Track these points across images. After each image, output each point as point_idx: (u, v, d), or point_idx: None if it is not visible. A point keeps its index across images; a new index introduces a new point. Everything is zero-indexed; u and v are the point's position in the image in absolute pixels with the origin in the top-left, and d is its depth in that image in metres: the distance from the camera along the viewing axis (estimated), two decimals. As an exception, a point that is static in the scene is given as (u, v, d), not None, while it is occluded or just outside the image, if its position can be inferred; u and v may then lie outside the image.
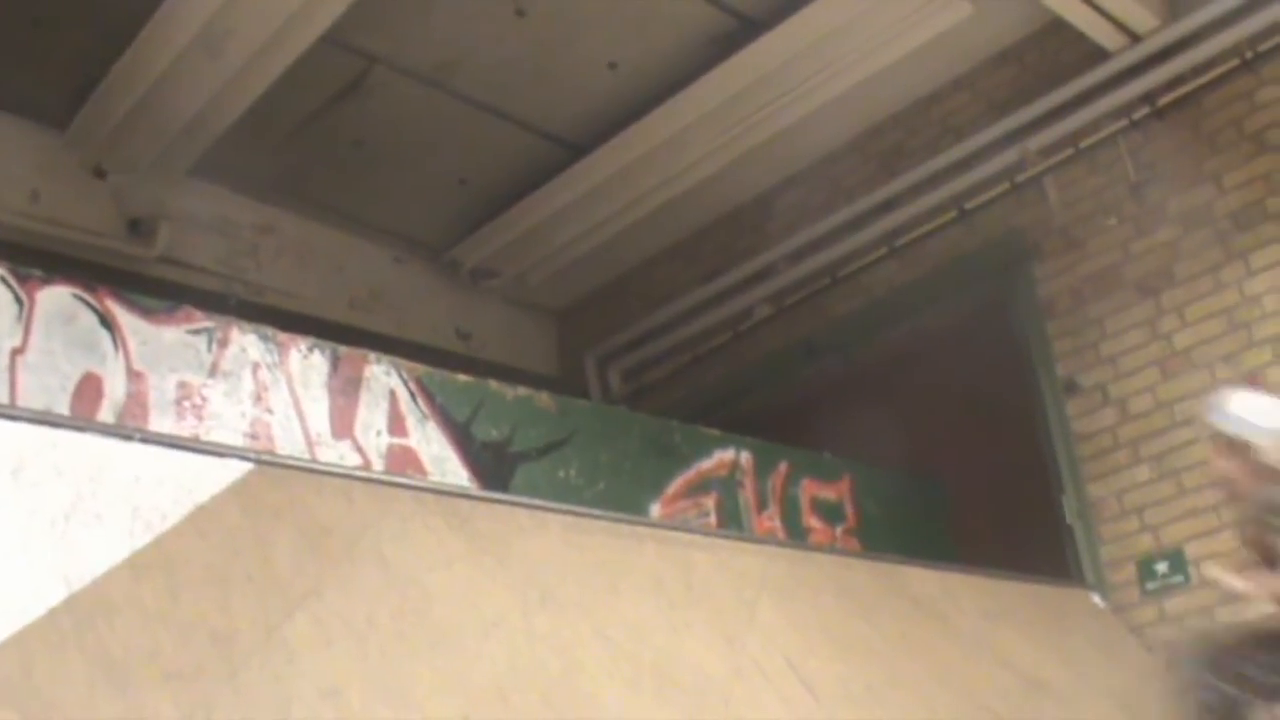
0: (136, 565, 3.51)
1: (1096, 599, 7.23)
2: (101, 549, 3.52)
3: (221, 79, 7.49)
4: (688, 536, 5.59)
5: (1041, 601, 6.86)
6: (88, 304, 5.15)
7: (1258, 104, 7.17)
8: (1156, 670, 6.88)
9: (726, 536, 6.17)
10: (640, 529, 5.40)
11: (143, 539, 3.60)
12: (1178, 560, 7.05)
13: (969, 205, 8.21)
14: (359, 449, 5.67)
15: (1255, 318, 6.98)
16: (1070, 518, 7.50)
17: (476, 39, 7.99)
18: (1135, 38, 7.51)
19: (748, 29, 8.00)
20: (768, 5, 7.88)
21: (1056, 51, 7.89)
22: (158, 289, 6.81)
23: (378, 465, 5.66)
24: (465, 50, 8.06)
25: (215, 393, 5.30)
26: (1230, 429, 5.29)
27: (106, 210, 8.23)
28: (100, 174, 8.21)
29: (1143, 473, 7.28)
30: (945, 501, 8.39)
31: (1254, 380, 6.64)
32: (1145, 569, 7.19)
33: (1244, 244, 7.08)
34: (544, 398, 6.55)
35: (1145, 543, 7.22)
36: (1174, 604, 7.05)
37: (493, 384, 6.37)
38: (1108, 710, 6.13)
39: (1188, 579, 7.00)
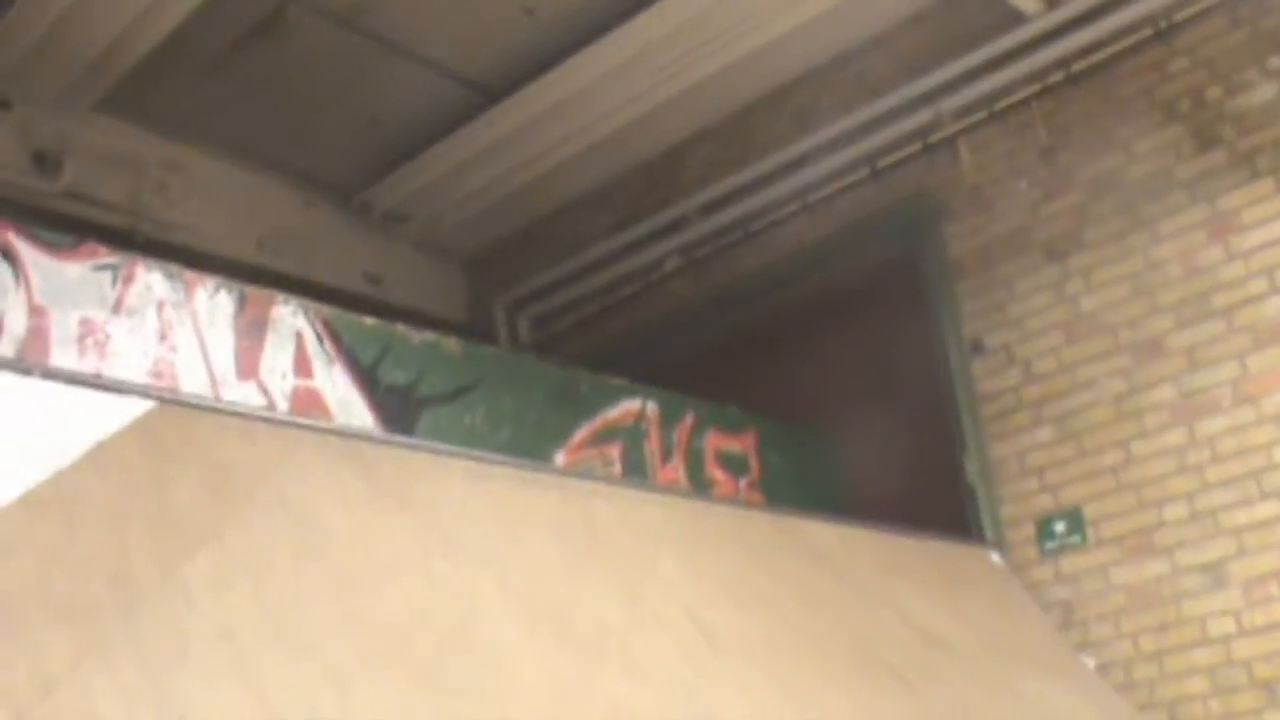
0: (32, 502, 3.47)
1: (995, 557, 7.32)
2: (-4, 485, 3.48)
3: (132, 12, 7.36)
4: (590, 485, 5.60)
5: (940, 558, 6.93)
6: (-12, 237, 5.08)
7: (1169, 74, 7.24)
8: (1052, 626, 7.02)
9: (629, 486, 6.19)
10: (543, 477, 5.40)
11: (40, 476, 3.56)
12: (1076, 520, 7.16)
13: (881, 164, 8.26)
14: (264, 390, 5.63)
15: (1159, 284, 7.07)
16: (971, 476, 7.58)
17: (393, -20, 7.93)
18: (1051, 2, 7.56)
19: (668, -21, 7.98)
20: (688, -44, 7.87)
21: (973, 14, 7.91)
22: (62, 224, 6.71)
23: (282, 407, 5.62)
24: (382, -9, 8.00)
25: (119, 330, 5.23)
26: None
27: (10, 143, 8.06)
28: (5, 105, 8.04)
29: (1044, 434, 7.38)
30: (848, 457, 8.45)
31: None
32: (1044, 528, 7.28)
33: (1151, 211, 7.17)
34: (451, 343, 6.53)
35: (1044, 503, 7.32)
36: (1070, 563, 7.16)
37: (400, 328, 6.34)
38: (1004, 666, 6.21)
39: (1085, 539, 7.11)
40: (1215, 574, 6.67)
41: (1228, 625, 6.59)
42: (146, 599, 3.45)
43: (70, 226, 6.46)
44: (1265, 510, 6.57)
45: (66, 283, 5.17)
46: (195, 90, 8.46)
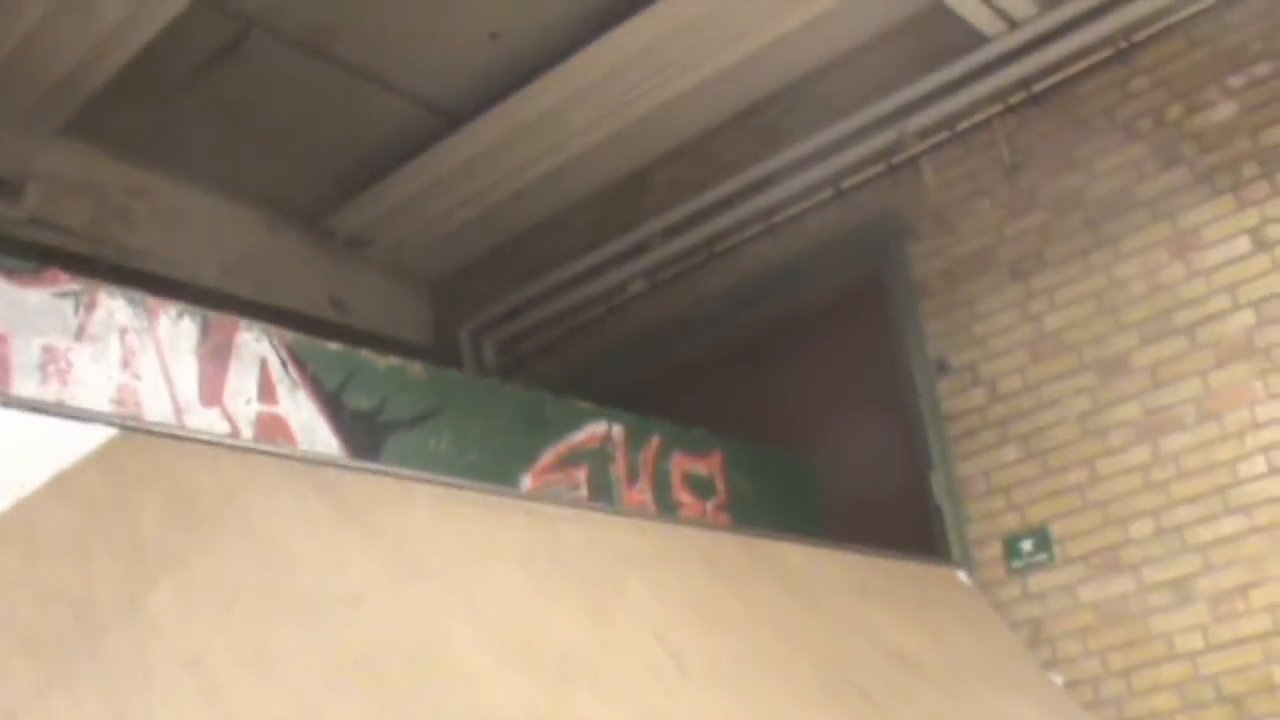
0: (-5, 531, 3.46)
1: (962, 576, 7.33)
2: (-41, 515, 3.46)
3: (94, 37, 7.32)
4: (557, 509, 5.59)
5: (908, 578, 6.94)
6: (-52, 264, 5.04)
7: (1130, 92, 7.29)
8: (1020, 645, 7.03)
9: (596, 510, 6.18)
10: (510, 501, 5.40)
11: (2, 505, 3.54)
12: (1042, 538, 7.18)
13: (845, 184, 8.27)
14: (228, 416, 5.60)
15: (1122, 302, 7.11)
16: (938, 496, 7.59)
17: (357, 4, 7.89)
18: (1013, 24, 7.59)
19: (632, 1, 7.98)
20: (653, -23, 7.89)
21: (936, 35, 7.94)
22: (24, 250, 6.68)
23: (247, 433, 5.60)
24: (345, 15, 7.96)
25: (81, 357, 5.20)
26: None
27: (-30, 169, 8.05)
28: (-36, 131, 8.02)
29: (1010, 452, 7.40)
30: (815, 478, 8.45)
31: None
32: (1011, 547, 7.30)
33: (1113, 230, 7.21)
34: (416, 368, 6.51)
35: (1011, 521, 7.33)
36: (1037, 581, 7.17)
37: (364, 353, 6.32)
38: (972, 684, 6.21)
39: (1052, 557, 7.13)
40: (1182, 590, 6.69)
41: (1195, 641, 6.61)
42: (110, 628, 3.43)
43: (32, 253, 6.43)
44: (1230, 526, 6.61)
45: (28, 310, 5.13)
46: (158, 115, 8.43)
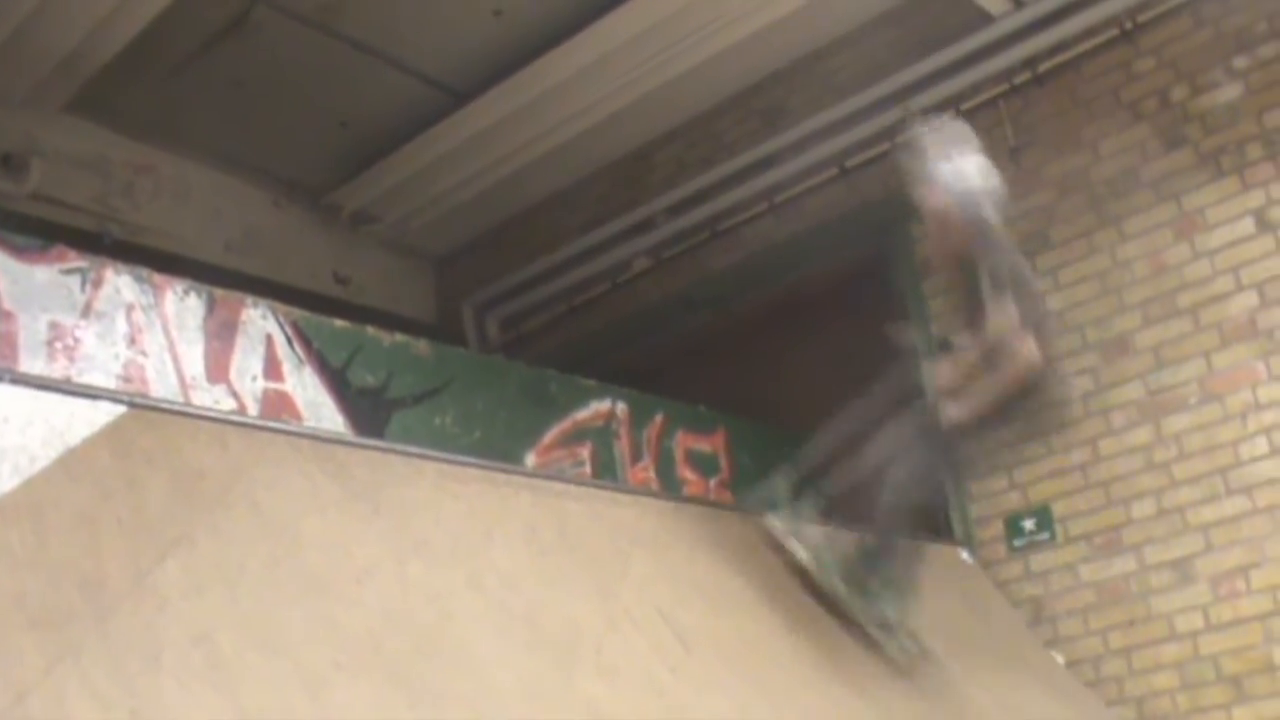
0: (3, 509, 3.46)
1: (965, 555, 7.34)
2: (-33, 492, 3.47)
3: (99, 14, 7.34)
4: (562, 486, 5.59)
5: (910, 557, 6.94)
6: (-46, 241, 5.06)
7: (1134, 74, 7.29)
8: (1022, 623, 7.05)
9: (601, 487, 6.19)
10: (515, 478, 5.39)
11: (10, 482, 3.54)
12: (1044, 518, 7.20)
13: (849, 164, 8.28)
14: (234, 393, 5.62)
15: (1126, 282, 7.12)
16: (941, 475, 7.59)
17: (361, -19, 7.91)
18: (1018, 3, 7.60)
19: (636, -21, 7.99)
20: (656, -44, 7.88)
21: (940, 14, 7.94)
22: (29, 227, 6.68)
23: (253, 410, 5.62)
24: (350, -8, 7.98)
25: (88, 334, 5.22)
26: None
27: (-24, 145, 8.06)
28: (-31, 107, 8.03)
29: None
30: (818, 456, 8.45)
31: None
32: (1013, 526, 7.32)
33: (1117, 210, 7.22)
34: (421, 345, 6.53)
35: (1014, 500, 7.35)
36: (1040, 560, 7.19)
37: (370, 330, 6.34)
38: (974, 662, 6.23)
39: (1054, 536, 7.15)
40: (1182, 570, 6.71)
41: (1195, 621, 6.64)
42: (119, 604, 3.45)
43: (37, 229, 6.43)
44: (1232, 506, 6.62)
45: (35, 286, 5.15)
46: (163, 91, 8.43)
